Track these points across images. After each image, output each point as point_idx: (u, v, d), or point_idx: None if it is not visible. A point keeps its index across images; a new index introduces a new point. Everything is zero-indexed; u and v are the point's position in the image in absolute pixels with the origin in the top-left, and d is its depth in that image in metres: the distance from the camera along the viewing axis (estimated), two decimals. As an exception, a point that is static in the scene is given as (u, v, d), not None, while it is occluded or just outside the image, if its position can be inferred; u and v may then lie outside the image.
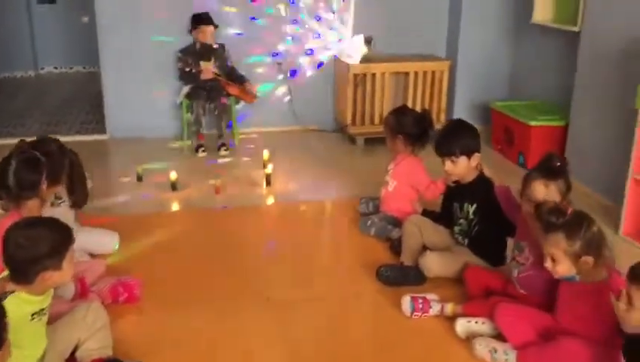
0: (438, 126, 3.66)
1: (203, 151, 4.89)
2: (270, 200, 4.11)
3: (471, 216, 2.96)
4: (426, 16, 5.56)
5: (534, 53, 5.15)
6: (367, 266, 3.11)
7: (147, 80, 5.19)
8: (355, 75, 5.17)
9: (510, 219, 2.76)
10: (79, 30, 8.11)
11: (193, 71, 4.88)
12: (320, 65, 5.48)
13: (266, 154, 4.46)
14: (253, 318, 2.70)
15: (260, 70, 5.33)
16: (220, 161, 4.80)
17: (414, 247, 3.08)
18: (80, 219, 3.21)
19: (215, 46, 4.99)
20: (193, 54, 4.92)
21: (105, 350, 2.29)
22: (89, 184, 3.09)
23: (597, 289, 2.20)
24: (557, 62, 4.83)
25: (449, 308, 2.68)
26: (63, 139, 3.14)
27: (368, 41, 5.14)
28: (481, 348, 2.43)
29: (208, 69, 4.87)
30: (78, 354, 2.27)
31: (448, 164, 2.94)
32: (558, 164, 2.49)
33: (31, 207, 2.56)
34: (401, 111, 3.61)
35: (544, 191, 2.45)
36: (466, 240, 3.01)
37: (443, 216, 3.20)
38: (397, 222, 3.39)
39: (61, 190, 3.00)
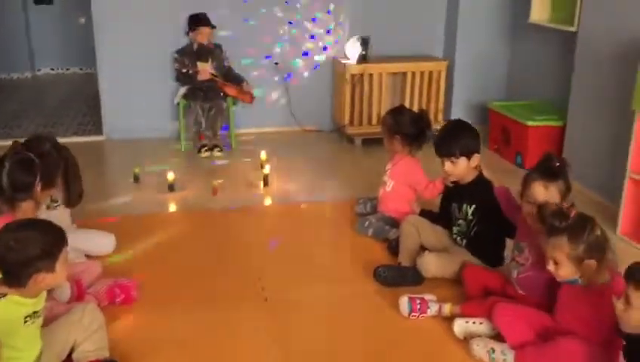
0: (435, 126, 3.66)
1: (206, 151, 4.88)
2: (268, 201, 4.10)
3: (470, 217, 2.95)
4: (423, 16, 5.55)
5: (531, 53, 5.15)
6: (364, 267, 3.11)
7: (144, 81, 5.17)
8: (353, 76, 5.17)
9: (511, 219, 2.76)
10: (76, 31, 8.10)
11: (190, 72, 4.87)
12: (317, 66, 5.48)
13: (263, 154, 4.46)
14: (251, 318, 2.70)
15: (256, 72, 5.31)
16: (218, 162, 4.79)
17: (412, 248, 3.08)
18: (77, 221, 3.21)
19: (212, 47, 4.98)
20: (190, 55, 4.91)
21: (101, 351, 2.28)
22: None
23: (599, 292, 2.19)
24: (554, 62, 4.83)
25: (447, 308, 2.67)
26: (59, 140, 3.13)
27: (365, 42, 5.13)
28: (479, 348, 2.42)
29: (205, 69, 4.86)
30: (74, 355, 2.26)
31: (448, 165, 2.94)
32: (558, 164, 2.48)
33: (25, 209, 2.55)
34: (398, 111, 3.60)
35: (544, 192, 2.44)
36: (465, 241, 3.00)
37: (441, 216, 3.20)
38: (394, 223, 3.39)
39: (56, 193, 3.00)
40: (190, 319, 2.68)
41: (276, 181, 4.33)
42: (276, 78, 5.44)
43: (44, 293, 2.12)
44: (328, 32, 5.42)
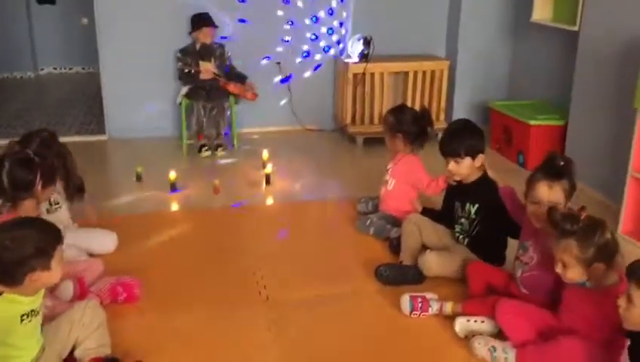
0: (437, 125, 3.66)
1: (206, 150, 4.89)
2: (270, 200, 4.10)
3: (472, 216, 2.95)
4: (425, 16, 5.55)
5: (533, 53, 5.15)
6: (366, 265, 3.11)
7: (146, 80, 5.19)
8: (355, 75, 5.17)
9: (516, 219, 2.74)
10: (79, 31, 8.11)
11: (192, 71, 4.88)
12: (319, 65, 5.48)
13: (265, 154, 4.46)
14: (253, 317, 2.70)
15: (257, 72, 5.31)
16: (219, 161, 4.79)
17: (413, 246, 3.08)
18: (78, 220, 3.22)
19: (215, 46, 4.99)
20: (193, 54, 4.92)
21: (103, 348, 2.29)
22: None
23: (605, 292, 2.19)
24: (556, 61, 4.83)
25: (448, 306, 2.67)
26: (62, 139, 3.15)
27: (367, 41, 5.13)
28: (480, 346, 2.42)
29: (208, 69, 4.87)
30: (76, 353, 2.26)
31: (452, 165, 2.93)
32: (562, 163, 2.46)
33: (26, 208, 2.56)
34: (400, 110, 3.60)
35: (548, 192, 2.43)
36: (466, 240, 3.00)
37: (444, 214, 3.19)
38: (396, 222, 3.39)
39: (57, 195, 3.01)
40: (192, 317, 2.69)
41: (278, 180, 4.34)
42: (278, 78, 5.44)
43: (42, 291, 2.11)
44: (330, 31, 5.42)
